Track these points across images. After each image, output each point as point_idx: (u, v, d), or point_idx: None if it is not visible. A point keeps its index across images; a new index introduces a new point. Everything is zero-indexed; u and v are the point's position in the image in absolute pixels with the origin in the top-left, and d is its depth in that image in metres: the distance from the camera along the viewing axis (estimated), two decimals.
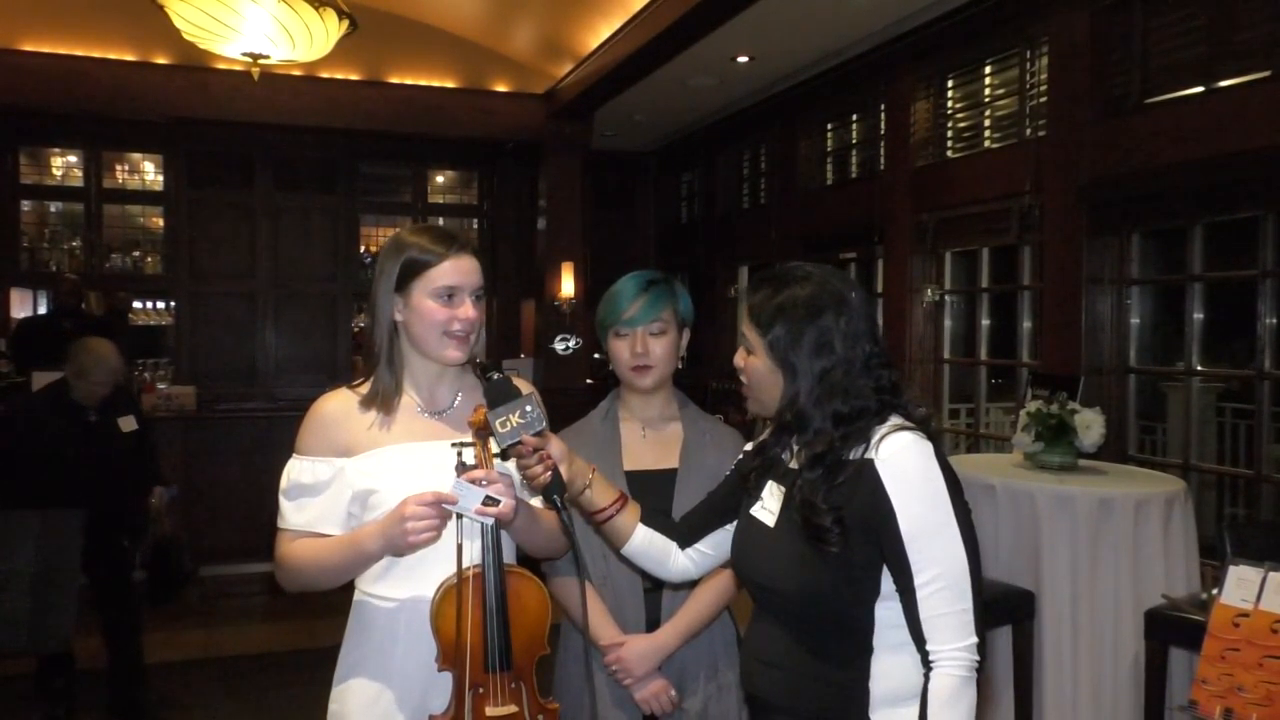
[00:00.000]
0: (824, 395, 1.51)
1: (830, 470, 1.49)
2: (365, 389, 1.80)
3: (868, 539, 1.46)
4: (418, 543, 1.61)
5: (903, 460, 1.46)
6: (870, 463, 1.47)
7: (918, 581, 1.43)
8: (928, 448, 1.47)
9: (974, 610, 1.44)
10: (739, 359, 1.63)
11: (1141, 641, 3.05)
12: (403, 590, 1.74)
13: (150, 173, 8.61)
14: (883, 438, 1.48)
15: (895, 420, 1.51)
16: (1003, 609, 3.26)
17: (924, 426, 1.52)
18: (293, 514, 1.76)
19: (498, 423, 1.57)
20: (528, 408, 1.58)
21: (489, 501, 1.59)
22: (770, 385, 1.57)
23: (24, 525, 2.99)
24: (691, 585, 2.07)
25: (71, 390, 3.99)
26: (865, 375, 1.53)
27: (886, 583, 1.48)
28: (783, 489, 1.59)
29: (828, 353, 1.52)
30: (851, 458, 1.49)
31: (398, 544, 1.63)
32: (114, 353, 4.07)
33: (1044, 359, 5.15)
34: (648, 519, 1.79)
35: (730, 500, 1.75)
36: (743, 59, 6.90)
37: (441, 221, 8.82)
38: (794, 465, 1.60)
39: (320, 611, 3.73)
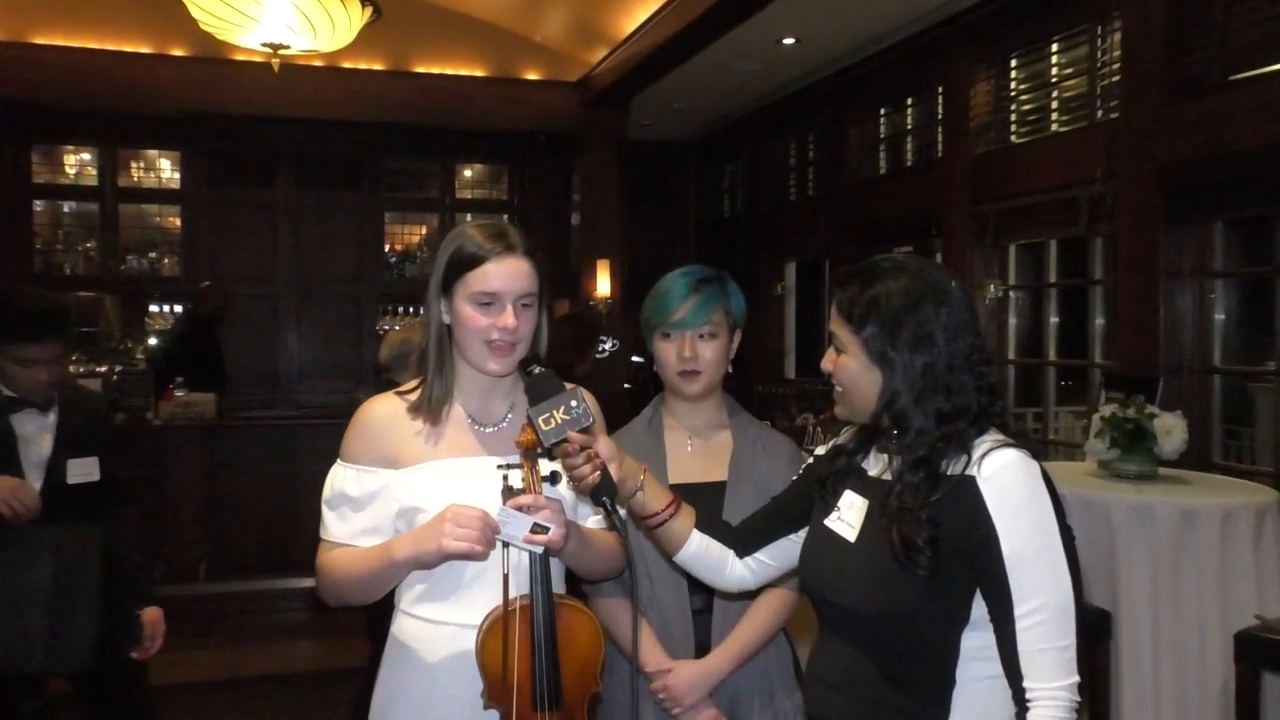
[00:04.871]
0: (926, 392, 1.48)
1: (930, 481, 1.46)
2: (415, 395, 1.79)
3: (962, 562, 1.43)
4: (449, 550, 1.59)
5: (1007, 479, 1.43)
6: (971, 480, 1.44)
7: (1018, 612, 1.40)
8: (1034, 467, 1.45)
9: (1077, 646, 1.41)
10: (828, 361, 1.60)
11: (1231, 666, 2.98)
12: (446, 614, 1.73)
13: (167, 170, 8.75)
14: (985, 454, 1.45)
15: (996, 435, 1.48)
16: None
17: (1028, 444, 1.49)
18: (335, 524, 1.76)
19: (540, 419, 1.55)
20: (573, 403, 1.56)
21: (537, 529, 1.58)
22: (865, 386, 1.54)
23: (39, 540, 3.01)
24: (745, 601, 2.05)
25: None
26: (968, 371, 1.50)
27: (977, 610, 1.45)
28: (865, 501, 1.57)
29: (928, 346, 1.48)
30: (950, 472, 1.46)
31: (427, 548, 1.61)
32: None
33: (1119, 359, 5.06)
34: (703, 525, 1.78)
35: (797, 507, 1.73)
36: (789, 41, 6.86)
37: (469, 218, 8.86)
38: (882, 475, 1.56)
39: (348, 631, 3.75)
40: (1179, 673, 3.20)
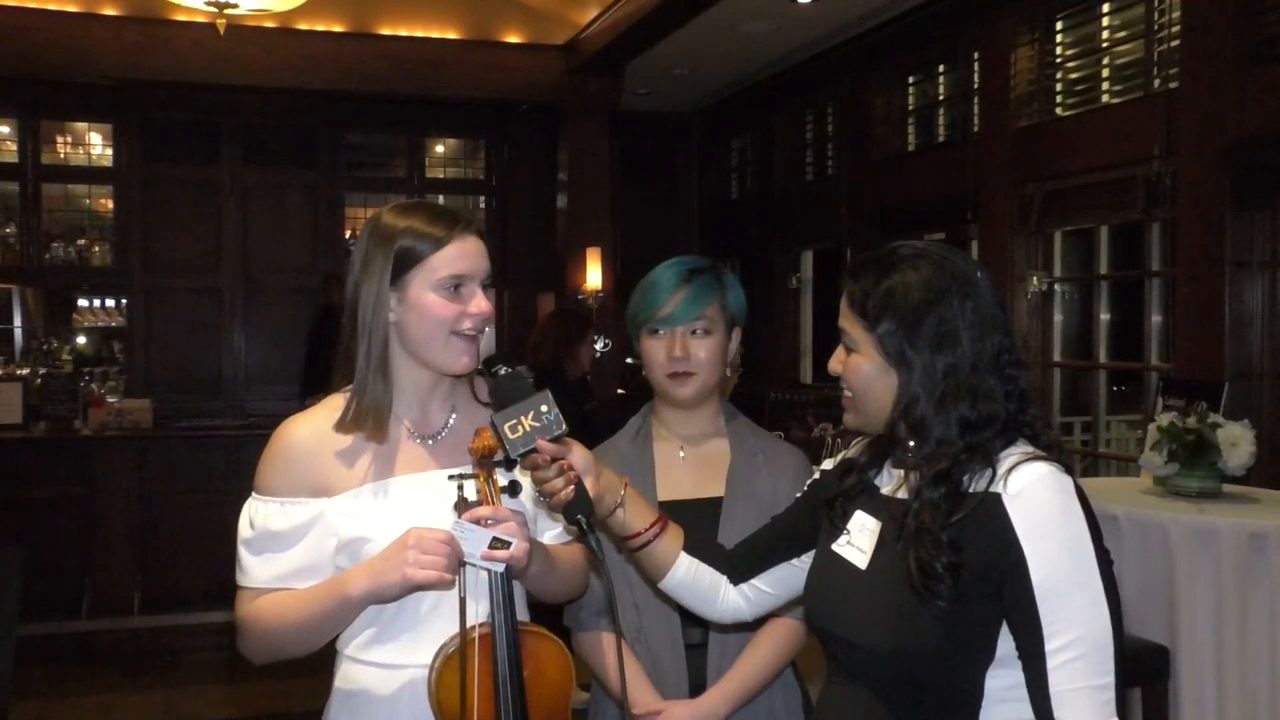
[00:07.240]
0: (948, 397, 1.49)
1: (951, 498, 1.47)
2: (339, 411, 1.78)
3: (987, 591, 1.44)
4: (415, 580, 1.59)
5: (1038, 497, 1.43)
6: (996, 497, 1.44)
7: (1049, 647, 1.40)
8: (1068, 484, 1.45)
9: (1116, 687, 1.41)
10: (836, 362, 1.61)
11: None
12: (402, 656, 1.73)
13: (97, 145, 8.75)
14: (1012, 468, 1.45)
15: (1024, 447, 1.49)
16: (1130, 668, 3.20)
17: (1061, 457, 1.50)
18: (257, 569, 1.74)
19: (507, 426, 1.56)
20: (543, 408, 1.57)
21: (496, 544, 1.59)
22: (880, 390, 1.54)
23: None
24: (747, 633, 2.06)
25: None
26: (995, 374, 1.51)
27: (1004, 645, 1.46)
28: (878, 522, 1.57)
29: (952, 345, 1.49)
30: (972, 489, 1.47)
31: (388, 580, 1.61)
32: None
33: (1178, 361, 5.08)
34: (692, 548, 1.78)
35: (801, 528, 1.74)
36: None
37: (442, 200, 8.86)
38: (897, 494, 1.57)
39: (299, 669, 3.76)
40: (1249, 716, 3.21)
